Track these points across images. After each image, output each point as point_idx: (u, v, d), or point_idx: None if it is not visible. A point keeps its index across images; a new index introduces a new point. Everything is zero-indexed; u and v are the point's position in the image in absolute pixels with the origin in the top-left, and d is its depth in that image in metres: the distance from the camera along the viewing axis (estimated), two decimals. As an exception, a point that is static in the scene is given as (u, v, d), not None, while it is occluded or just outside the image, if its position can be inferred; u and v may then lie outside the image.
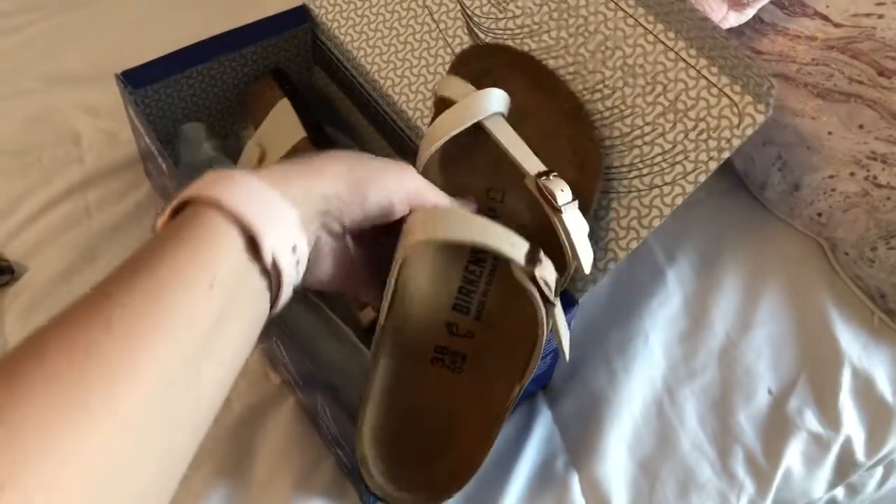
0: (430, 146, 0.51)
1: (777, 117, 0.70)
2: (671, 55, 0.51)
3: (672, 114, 0.51)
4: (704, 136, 0.50)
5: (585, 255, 0.49)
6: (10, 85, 0.79)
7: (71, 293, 0.63)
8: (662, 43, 0.51)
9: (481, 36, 0.59)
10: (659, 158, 0.52)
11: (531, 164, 0.50)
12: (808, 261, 0.72)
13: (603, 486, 0.59)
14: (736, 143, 0.49)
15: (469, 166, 0.53)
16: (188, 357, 0.32)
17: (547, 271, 0.45)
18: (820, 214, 0.70)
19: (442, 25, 0.61)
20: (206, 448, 0.57)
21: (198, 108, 0.68)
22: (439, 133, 0.51)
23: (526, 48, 0.57)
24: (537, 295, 0.44)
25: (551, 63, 0.56)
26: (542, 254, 0.45)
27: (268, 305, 0.39)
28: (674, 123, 0.51)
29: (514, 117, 0.53)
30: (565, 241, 0.48)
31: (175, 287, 0.33)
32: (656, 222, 0.52)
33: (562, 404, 0.63)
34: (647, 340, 0.66)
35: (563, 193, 0.48)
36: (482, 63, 0.56)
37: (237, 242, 0.36)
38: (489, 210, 0.53)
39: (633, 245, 0.52)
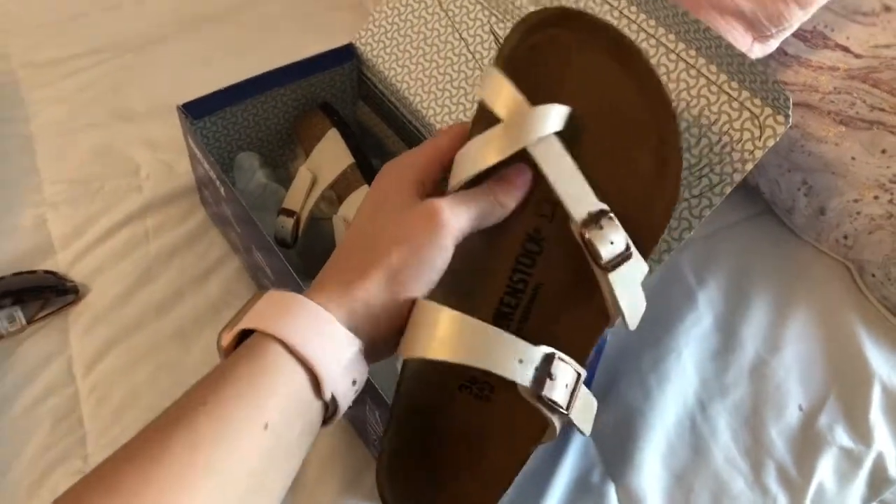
0: (461, 176, 0.44)
1: (802, 144, 0.73)
2: (693, 72, 0.54)
3: (696, 129, 0.54)
4: (728, 148, 0.53)
5: (632, 309, 0.44)
6: (78, 120, 0.85)
7: (129, 313, 0.68)
8: (684, 61, 0.55)
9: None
10: (686, 172, 0.54)
11: (580, 203, 0.43)
12: (835, 282, 0.74)
13: (639, 496, 0.61)
14: (758, 154, 0.52)
15: None
16: (238, 494, 0.35)
17: (560, 384, 0.42)
18: (846, 237, 0.72)
19: (477, 56, 0.65)
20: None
21: (251, 139, 0.73)
22: (470, 165, 0.44)
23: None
24: (545, 411, 0.42)
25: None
26: (556, 363, 0.41)
27: (320, 424, 0.40)
28: (699, 138, 0.54)
29: (579, 108, 0.45)
30: (608, 297, 0.44)
31: (229, 428, 0.35)
32: (686, 234, 0.54)
33: (598, 418, 0.64)
34: (679, 357, 0.68)
35: (611, 247, 0.42)
36: (544, 40, 0.47)
37: (301, 382, 0.38)
38: (534, 231, 0.48)
39: (665, 257, 0.55)
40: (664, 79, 0.56)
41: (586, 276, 0.44)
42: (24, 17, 0.96)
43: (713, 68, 0.54)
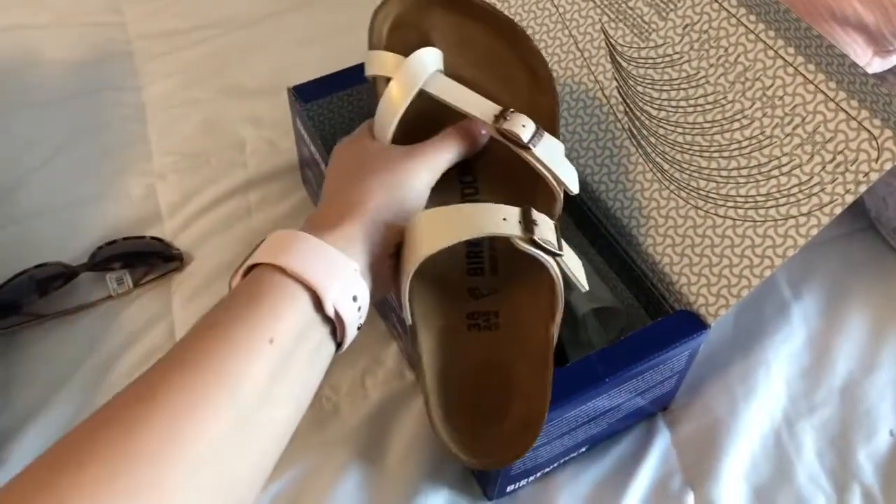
0: (384, 132, 0.52)
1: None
2: (810, 87, 0.53)
3: (810, 145, 0.53)
4: (842, 168, 0.52)
5: (569, 177, 0.51)
6: (187, 94, 0.87)
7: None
8: (802, 75, 0.54)
9: (623, 64, 0.63)
10: (796, 189, 0.54)
11: (484, 110, 0.51)
12: (938, 307, 0.72)
13: (717, 506, 0.61)
14: (874, 176, 0.51)
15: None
16: (242, 413, 0.37)
17: (546, 229, 0.47)
18: (954, 261, 0.70)
19: (586, 54, 0.65)
20: (341, 435, 0.62)
21: (355, 123, 0.74)
22: (388, 118, 0.52)
23: (666, 77, 0.60)
24: (543, 255, 0.46)
25: (692, 92, 0.59)
26: (533, 213, 0.47)
27: (333, 348, 0.44)
28: (811, 155, 0.53)
29: (452, 59, 0.54)
30: (545, 173, 0.50)
31: (232, 349, 0.38)
32: (790, 252, 0.54)
33: (681, 426, 0.65)
34: (769, 371, 0.67)
35: (525, 129, 0.50)
36: (397, 19, 0.57)
37: (301, 298, 0.41)
38: (462, 174, 0.56)
39: (767, 273, 0.54)
40: (779, 91, 0.55)
41: (522, 180, 0.52)
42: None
43: (832, 85, 0.53)
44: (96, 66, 0.91)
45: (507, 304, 0.53)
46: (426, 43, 0.55)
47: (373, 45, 0.56)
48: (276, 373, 0.39)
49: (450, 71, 0.54)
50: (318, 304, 0.41)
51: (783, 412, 0.65)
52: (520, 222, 0.46)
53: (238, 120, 0.84)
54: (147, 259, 0.72)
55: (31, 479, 0.32)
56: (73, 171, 0.80)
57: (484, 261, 0.54)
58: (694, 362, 0.61)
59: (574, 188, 0.52)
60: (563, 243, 0.49)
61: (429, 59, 0.53)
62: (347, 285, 0.43)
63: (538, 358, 0.50)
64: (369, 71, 0.55)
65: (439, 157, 0.51)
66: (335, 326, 0.43)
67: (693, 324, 0.56)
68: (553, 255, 0.47)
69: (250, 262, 0.43)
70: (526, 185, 0.53)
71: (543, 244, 0.46)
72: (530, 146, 0.50)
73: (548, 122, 0.53)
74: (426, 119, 0.53)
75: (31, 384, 0.65)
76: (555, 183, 0.51)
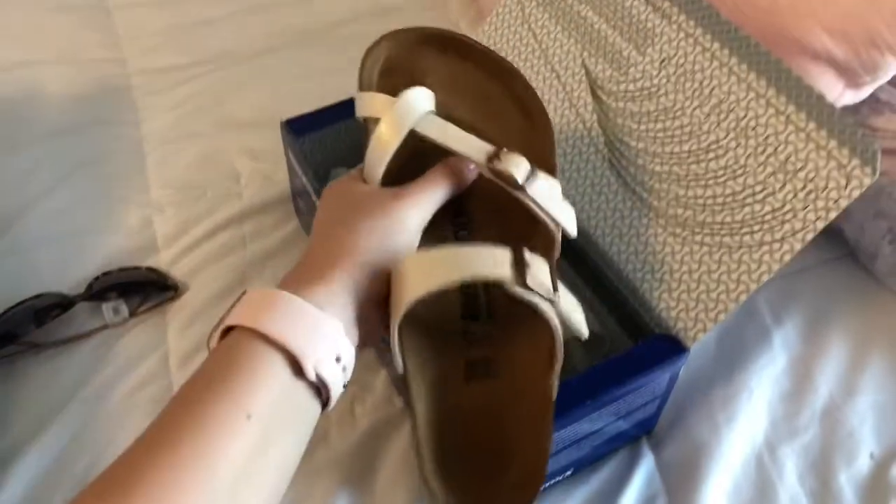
0: (374, 173, 0.51)
1: (889, 191, 0.72)
2: (782, 118, 0.55)
3: (782, 174, 0.55)
4: (813, 196, 0.54)
5: (566, 218, 0.50)
6: (184, 128, 0.90)
7: (224, 311, 0.72)
8: (773, 107, 0.56)
9: (603, 97, 0.65)
10: (769, 216, 0.55)
11: (477, 150, 0.50)
12: (918, 332, 0.73)
13: (700, 530, 0.61)
14: (843, 203, 0.52)
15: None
16: (223, 489, 0.36)
17: (539, 271, 0.45)
18: (931, 287, 0.72)
19: (568, 88, 0.67)
20: (329, 462, 0.63)
21: (346, 156, 0.76)
22: (377, 159, 0.50)
23: (645, 109, 0.62)
24: (537, 301, 0.44)
25: (669, 123, 0.61)
26: (526, 254, 0.44)
27: (318, 410, 0.42)
28: (784, 183, 0.55)
29: (444, 99, 0.53)
30: (541, 214, 0.49)
31: (208, 425, 0.37)
32: (765, 277, 0.55)
33: (664, 450, 0.66)
34: (751, 396, 0.68)
35: (519, 169, 0.48)
36: (387, 61, 0.56)
37: (279, 366, 0.39)
38: (455, 216, 0.55)
39: (743, 298, 0.56)
40: (752, 122, 0.57)
41: (517, 222, 0.51)
42: (142, 25, 1.03)
43: (802, 115, 0.55)
44: (96, 101, 0.93)
45: (505, 350, 0.50)
46: (417, 84, 0.53)
47: (363, 88, 0.55)
48: (255, 447, 0.38)
49: (442, 111, 0.53)
50: (298, 369, 0.40)
51: (765, 436, 0.67)
52: (512, 265, 0.44)
53: (234, 152, 0.87)
54: (143, 289, 0.74)
55: None
56: (72, 203, 0.82)
57: (479, 305, 0.52)
58: (677, 387, 0.62)
59: (572, 230, 0.50)
60: (560, 285, 0.46)
61: (420, 100, 0.52)
62: (330, 346, 0.41)
63: (537, 412, 0.47)
64: (360, 112, 0.54)
65: (429, 197, 0.50)
66: (319, 389, 0.42)
67: (672, 347, 0.57)
68: (548, 300, 0.45)
69: (228, 321, 0.42)
70: (522, 227, 0.51)
71: (536, 289, 0.44)
72: (525, 186, 0.48)
73: (544, 162, 0.52)
74: (420, 161, 0.52)
75: (27, 412, 0.66)
76: (552, 224, 0.50)
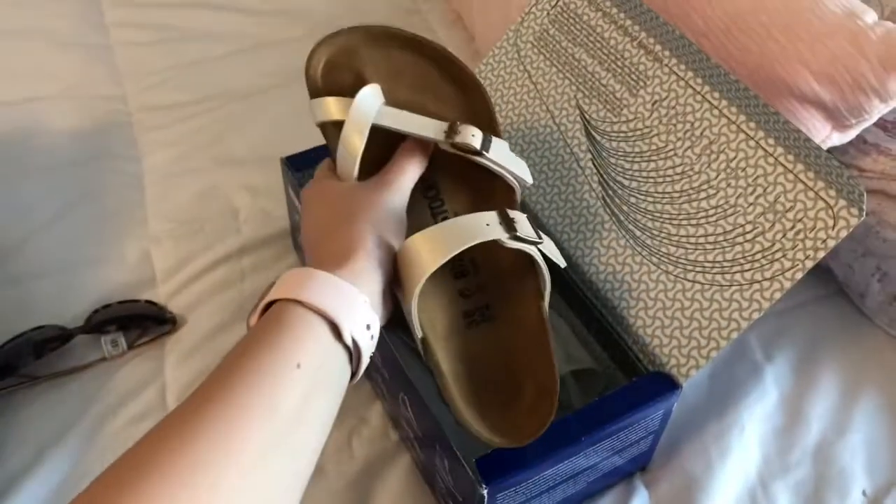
0: (350, 173, 0.55)
1: (877, 231, 0.74)
2: (770, 160, 0.57)
3: (771, 214, 0.56)
4: (801, 235, 0.55)
5: (521, 171, 0.57)
6: (184, 164, 0.91)
7: (221, 346, 0.73)
8: (763, 148, 0.58)
9: (597, 137, 0.66)
10: (759, 255, 0.57)
11: (435, 129, 0.55)
12: (907, 369, 0.74)
13: (694, 566, 0.62)
14: (831, 243, 0.54)
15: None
16: (280, 429, 0.39)
17: (524, 224, 0.52)
18: (920, 325, 0.73)
19: (562, 128, 0.69)
20: (326, 497, 0.63)
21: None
22: (350, 160, 0.55)
23: (637, 149, 0.64)
24: (528, 247, 0.52)
25: (661, 163, 0.62)
26: (509, 213, 0.52)
27: (349, 376, 0.46)
28: (773, 223, 0.56)
29: (388, 89, 0.57)
30: (502, 171, 0.56)
31: (265, 372, 0.40)
32: (756, 315, 0.56)
33: (659, 486, 0.66)
34: (742, 432, 0.69)
35: (475, 137, 0.54)
36: (328, 63, 0.59)
37: (320, 328, 0.43)
38: (426, 187, 0.60)
39: (734, 335, 0.57)
40: (742, 163, 0.58)
41: (479, 182, 0.58)
42: (144, 63, 1.04)
43: (790, 157, 0.56)
44: (98, 136, 0.95)
45: (497, 295, 0.57)
46: (360, 79, 0.58)
47: (312, 93, 0.58)
48: (305, 396, 0.41)
49: (389, 100, 0.57)
50: (336, 333, 0.44)
51: (758, 472, 0.67)
52: (500, 224, 0.51)
53: (233, 188, 0.88)
54: (141, 322, 0.74)
55: (94, 495, 0.35)
56: (72, 236, 0.83)
57: (465, 263, 0.57)
58: (670, 424, 0.63)
59: (529, 179, 0.57)
60: (539, 231, 0.54)
61: (372, 96, 0.56)
62: (361, 316, 0.45)
63: (536, 333, 0.54)
64: (317, 118, 0.58)
65: (404, 178, 0.55)
66: (351, 355, 0.45)
67: (665, 384, 0.58)
68: (535, 244, 0.52)
69: (268, 298, 0.45)
70: (484, 186, 0.58)
71: (526, 238, 0.51)
72: (483, 152, 0.54)
73: (490, 127, 0.58)
74: (382, 145, 0.57)
75: (25, 444, 0.66)
76: (511, 178, 0.56)
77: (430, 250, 0.50)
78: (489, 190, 0.58)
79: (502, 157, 0.56)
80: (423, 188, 0.59)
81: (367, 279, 0.48)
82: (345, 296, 0.45)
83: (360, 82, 0.57)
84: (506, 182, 0.57)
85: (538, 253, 0.53)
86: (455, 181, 0.60)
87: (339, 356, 0.44)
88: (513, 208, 0.54)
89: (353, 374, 0.46)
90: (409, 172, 0.56)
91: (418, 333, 0.52)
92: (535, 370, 0.53)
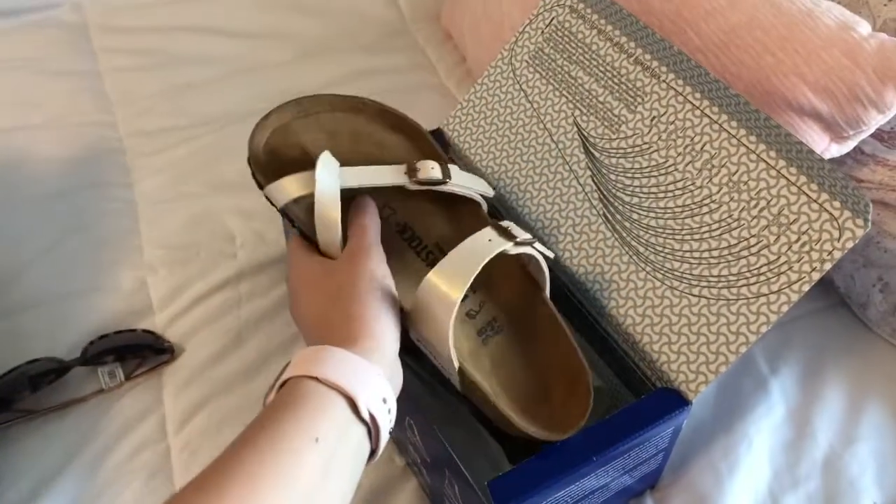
0: (335, 247, 0.55)
1: (878, 241, 0.74)
2: (773, 172, 0.57)
3: (776, 227, 0.56)
4: (807, 248, 0.55)
5: (480, 187, 0.61)
6: (177, 189, 0.90)
7: (220, 374, 0.72)
8: (764, 161, 0.57)
9: (596, 154, 0.66)
10: (765, 269, 0.56)
11: (396, 174, 0.58)
12: (912, 379, 0.74)
13: (707, 584, 0.61)
14: (837, 255, 0.54)
15: None
16: (304, 497, 0.40)
17: (516, 229, 0.56)
18: (923, 334, 0.73)
19: (561, 146, 0.68)
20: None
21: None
22: (332, 235, 0.55)
23: (637, 165, 0.64)
24: (530, 249, 0.55)
25: (662, 179, 0.62)
26: (504, 223, 0.55)
27: (367, 453, 0.47)
28: (778, 236, 0.56)
29: (333, 150, 0.58)
30: (466, 192, 0.60)
31: (283, 448, 0.41)
32: (763, 328, 0.56)
33: (668, 502, 0.66)
34: (750, 446, 0.69)
35: (434, 170, 0.57)
36: (266, 146, 0.60)
37: (337, 402, 0.44)
38: (400, 228, 0.63)
39: (743, 349, 0.56)
40: (744, 177, 0.58)
41: (446, 209, 0.61)
42: (134, 89, 1.03)
43: (793, 170, 0.56)
44: (89, 163, 0.94)
45: (500, 306, 0.60)
46: (303, 151, 0.60)
47: (264, 181, 0.58)
48: (322, 470, 0.42)
49: (340, 159, 0.58)
50: (353, 408, 0.44)
51: (768, 486, 0.67)
52: (500, 235, 0.54)
53: (227, 213, 0.87)
54: (138, 352, 0.73)
55: None
56: (66, 265, 0.82)
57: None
58: (679, 440, 0.62)
59: (490, 191, 0.62)
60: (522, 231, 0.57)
61: (329, 165, 0.56)
62: (376, 389, 0.46)
63: (549, 325, 0.57)
64: (279, 203, 0.57)
65: (371, 237, 0.56)
66: (369, 430, 0.46)
67: (675, 401, 0.57)
68: (532, 244, 0.56)
69: (284, 377, 0.46)
70: (451, 210, 0.62)
71: (525, 241, 0.55)
72: (447, 180, 0.58)
73: (439, 158, 0.61)
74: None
75: (22, 478, 0.65)
76: (475, 195, 0.60)
77: (450, 282, 0.51)
78: (458, 212, 0.61)
79: (462, 178, 0.59)
80: (398, 234, 0.62)
81: (379, 350, 0.49)
82: (359, 370, 0.46)
83: (304, 154, 0.59)
84: (471, 199, 0.60)
85: (538, 253, 0.56)
86: (424, 217, 0.63)
87: (356, 430, 0.45)
88: (484, 221, 0.58)
89: (374, 452, 0.47)
90: (371, 228, 0.57)
91: (456, 363, 0.53)
92: (560, 361, 0.56)
